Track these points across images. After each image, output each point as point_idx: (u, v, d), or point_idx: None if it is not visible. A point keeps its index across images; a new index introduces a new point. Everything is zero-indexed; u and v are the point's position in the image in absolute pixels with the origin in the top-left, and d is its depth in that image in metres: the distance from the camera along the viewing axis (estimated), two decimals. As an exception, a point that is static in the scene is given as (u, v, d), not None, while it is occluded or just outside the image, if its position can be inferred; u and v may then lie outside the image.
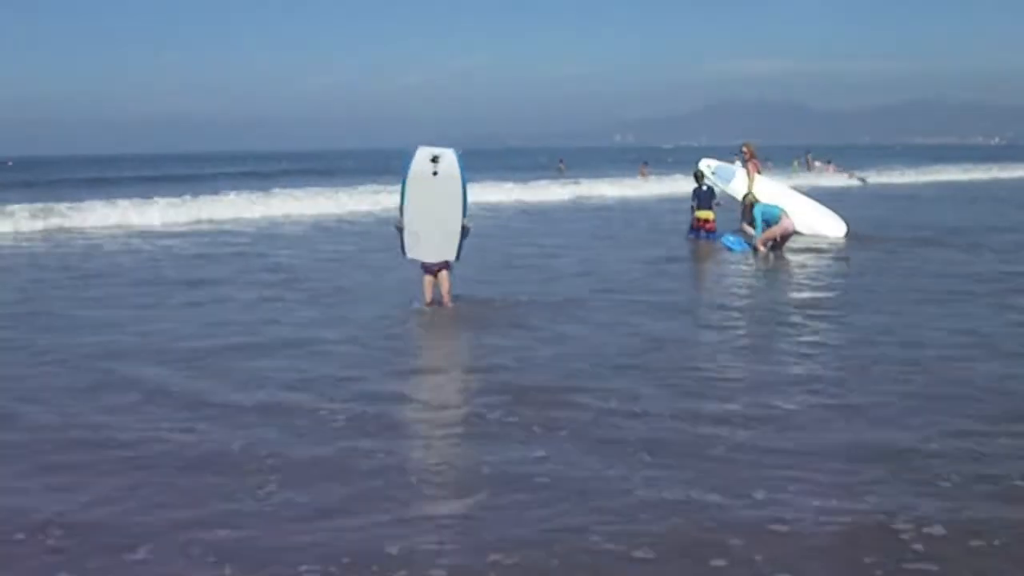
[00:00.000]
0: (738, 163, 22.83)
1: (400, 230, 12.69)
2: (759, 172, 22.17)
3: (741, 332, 11.20)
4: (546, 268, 16.68)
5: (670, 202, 32.77)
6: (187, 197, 31.36)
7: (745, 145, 22.67)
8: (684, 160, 52.92)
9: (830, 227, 21.74)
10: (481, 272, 15.27)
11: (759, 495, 5.83)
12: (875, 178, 53.95)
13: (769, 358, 9.69)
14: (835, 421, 7.40)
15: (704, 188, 21.50)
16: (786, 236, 18.54)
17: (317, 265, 17.60)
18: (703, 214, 21.28)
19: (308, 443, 6.95)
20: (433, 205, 12.53)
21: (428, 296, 12.60)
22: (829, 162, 68.06)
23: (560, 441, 6.95)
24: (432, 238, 12.61)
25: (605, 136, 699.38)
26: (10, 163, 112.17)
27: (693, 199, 21.48)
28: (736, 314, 12.42)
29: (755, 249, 18.54)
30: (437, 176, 12.47)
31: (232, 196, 32.80)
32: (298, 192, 34.33)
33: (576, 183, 43.06)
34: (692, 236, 21.33)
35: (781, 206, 19.08)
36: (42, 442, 7.05)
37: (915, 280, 14.74)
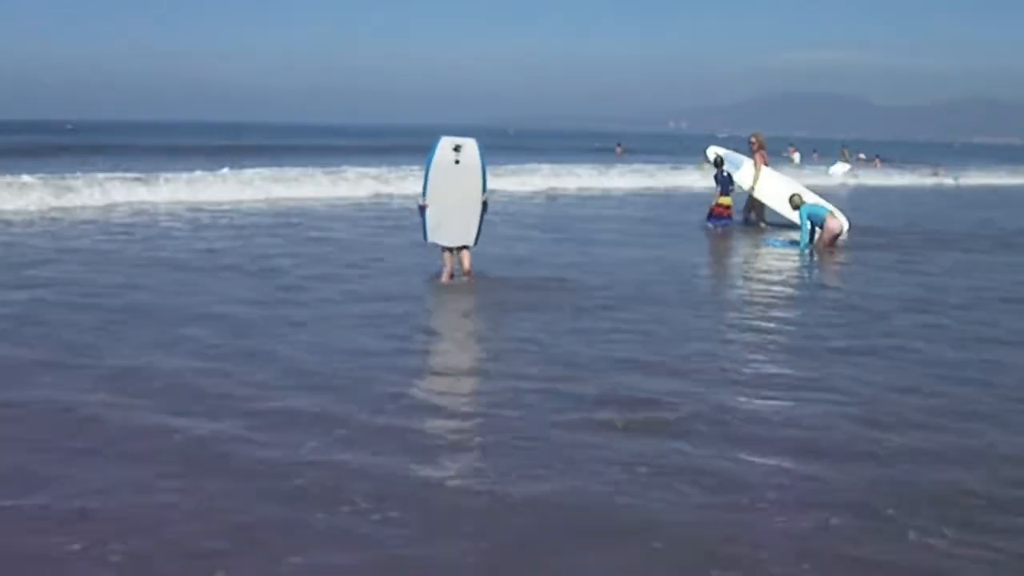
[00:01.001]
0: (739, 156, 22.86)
1: (423, 208, 13.25)
2: (766, 163, 22.38)
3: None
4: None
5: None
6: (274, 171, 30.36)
7: (753, 135, 22.94)
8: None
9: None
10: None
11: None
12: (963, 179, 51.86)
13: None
14: None
15: (725, 174, 21.55)
16: (836, 237, 17.86)
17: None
18: (725, 200, 21.38)
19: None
20: (454, 192, 13.18)
21: (448, 272, 13.21)
22: (877, 156, 67.69)
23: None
24: (452, 224, 13.21)
25: (659, 122, 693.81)
26: (69, 126, 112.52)
27: (718, 185, 21.53)
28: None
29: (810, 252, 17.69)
30: (459, 165, 13.20)
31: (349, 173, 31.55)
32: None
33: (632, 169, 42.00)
34: (713, 224, 21.29)
35: (827, 206, 18.55)
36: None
37: None
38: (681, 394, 7.76)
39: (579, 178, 36.78)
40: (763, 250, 18.47)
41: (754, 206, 22.21)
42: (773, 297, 13.19)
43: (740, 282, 15.28)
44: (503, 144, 66.49)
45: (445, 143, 13.35)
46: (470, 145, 13.37)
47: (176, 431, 6.68)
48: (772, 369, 8.97)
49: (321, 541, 5.07)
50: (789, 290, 14.13)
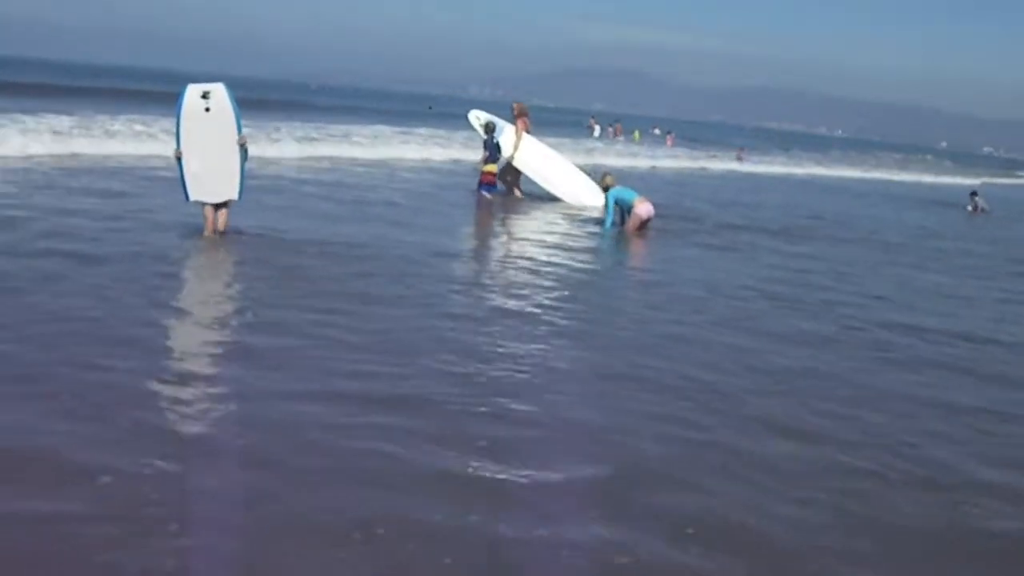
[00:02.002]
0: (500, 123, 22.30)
1: (179, 159, 12.49)
2: (528, 131, 22.10)
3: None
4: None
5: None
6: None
7: (516, 103, 22.75)
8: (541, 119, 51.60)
9: (587, 195, 21.57)
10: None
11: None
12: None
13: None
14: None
15: (495, 141, 21.01)
16: (645, 223, 17.17)
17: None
18: (491, 167, 20.94)
19: None
20: (210, 142, 12.47)
21: (209, 228, 12.59)
22: (669, 132, 68.83)
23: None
24: (213, 177, 12.54)
25: (460, 87, 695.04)
26: None
27: (486, 151, 20.90)
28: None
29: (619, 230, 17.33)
30: (209, 112, 12.44)
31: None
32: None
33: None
34: (485, 192, 20.88)
35: (635, 191, 17.75)
36: None
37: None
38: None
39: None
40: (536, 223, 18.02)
41: (510, 174, 21.90)
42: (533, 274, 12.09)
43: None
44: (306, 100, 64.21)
45: (192, 91, 12.53)
46: (219, 90, 12.61)
47: None
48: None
49: None
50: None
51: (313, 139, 30.01)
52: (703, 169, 43.09)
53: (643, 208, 17.18)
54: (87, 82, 70.14)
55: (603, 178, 18.19)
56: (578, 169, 23.19)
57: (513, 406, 6.85)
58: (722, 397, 7.58)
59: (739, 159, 53.03)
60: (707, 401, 7.42)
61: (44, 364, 6.91)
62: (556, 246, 15.14)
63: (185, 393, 6.62)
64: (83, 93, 51.12)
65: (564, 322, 9.65)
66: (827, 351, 9.52)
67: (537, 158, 22.26)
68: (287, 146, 27.00)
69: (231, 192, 12.69)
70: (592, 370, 8.08)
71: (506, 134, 21.77)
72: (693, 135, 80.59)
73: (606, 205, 17.63)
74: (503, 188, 21.63)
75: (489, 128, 21.18)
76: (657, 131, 74.20)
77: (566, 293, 11.13)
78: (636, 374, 8.00)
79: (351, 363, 7.55)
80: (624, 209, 17.33)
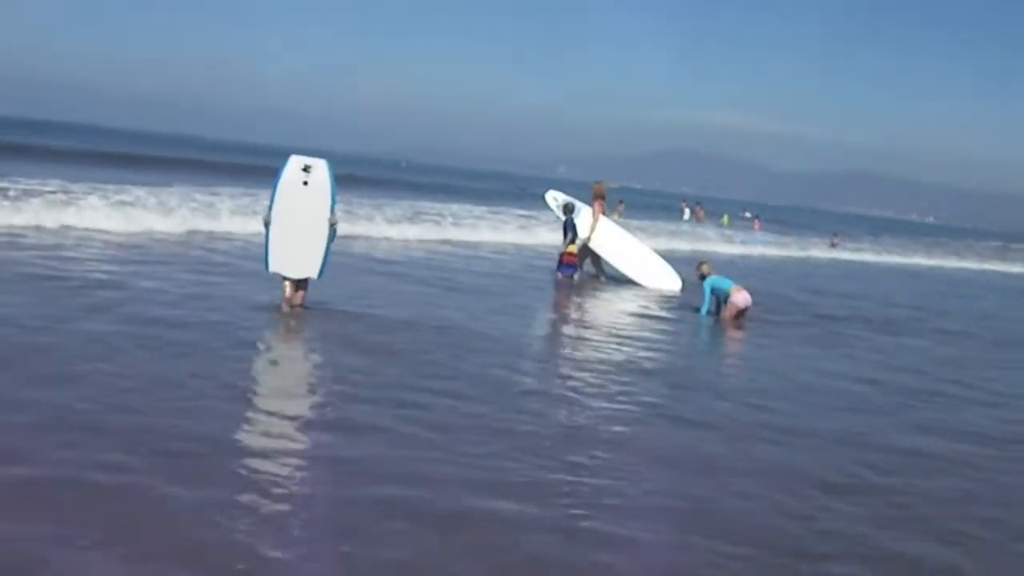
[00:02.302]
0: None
1: (267, 225, 12.43)
2: (604, 213, 21.78)
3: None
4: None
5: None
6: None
7: (594, 184, 22.33)
8: (628, 200, 51.20)
9: (666, 280, 21.30)
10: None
11: None
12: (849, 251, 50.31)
13: None
14: None
15: (574, 221, 20.59)
16: (742, 312, 16.83)
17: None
18: (573, 248, 20.47)
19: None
20: (301, 216, 12.40)
21: (287, 302, 12.49)
22: (756, 216, 67.99)
23: None
24: (297, 252, 12.44)
25: (549, 168, 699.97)
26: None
27: (567, 232, 20.46)
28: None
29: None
30: (307, 186, 12.41)
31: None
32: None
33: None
34: (563, 273, 20.46)
35: (732, 280, 17.49)
36: None
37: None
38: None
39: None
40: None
41: (588, 255, 21.51)
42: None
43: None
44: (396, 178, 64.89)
45: (294, 162, 12.50)
46: (320, 166, 12.54)
47: None
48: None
49: None
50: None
51: (401, 217, 29.72)
52: (801, 256, 42.04)
53: (740, 297, 16.85)
54: (194, 155, 71.46)
55: (699, 266, 17.87)
56: (655, 253, 22.74)
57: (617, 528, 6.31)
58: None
59: (833, 245, 52.01)
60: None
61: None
62: (651, 333, 14.62)
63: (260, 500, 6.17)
64: (190, 166, 51.95)
65: (671, 409, 9.10)
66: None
67: (614, 240, 21.91)
68: (376, 225, 26.74)
69: (311, 270, 12.57)
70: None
71: (583, 216, 21.45)
72: (782, 219, 79.78)
73: (703, 293, 17.31)
74: (586, 270, 21.33)
75: (568, 209, 20.89)
76: (748, 215, 73.44)
77: (672, 381, 10.59)
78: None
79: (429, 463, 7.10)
80: (720, 298, 17.02)
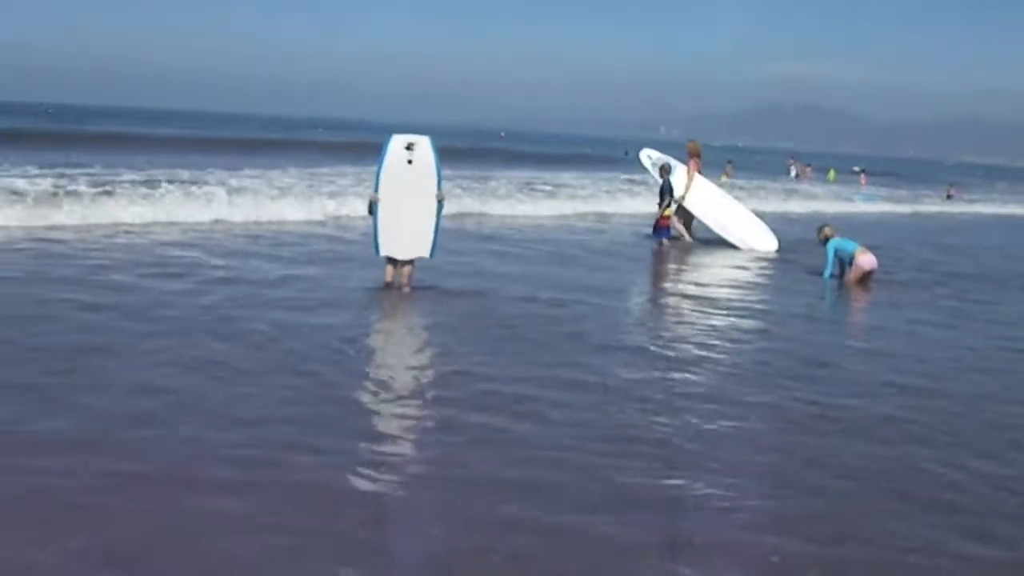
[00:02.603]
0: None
1: (373, 205, 12.16)
2: (699, 172, 21.07)
3: None
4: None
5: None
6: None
7: (690, 142, 21.75)
8: (732, 159, 49.82)
9: (762, 241, 20.45)
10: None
11: None
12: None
13: None
14: None
15: (671, 183, 20.02)
16: (867, 274, 16.05)
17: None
18: (669, 212, 19.95)
19: None
20: (408, 195, 12.12)
21: (389, 278, 12.28)
22: (863, 171, 66.44)
23: None
24: (405, 233, 12.18)
25: (651, 128, 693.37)
26: (50, 111, 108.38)
27: (667, 195, 19.87)
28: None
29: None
30: (412, 165, 12.14)
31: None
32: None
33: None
34: (661, 237, 19.90)
35: (856, 242, 16.69)
36: None
37: None
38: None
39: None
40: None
41: (682, 216, 20.85)
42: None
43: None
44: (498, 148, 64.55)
45: (397, 141, 12.24)
46: (423, 143, 12.28)
47: None
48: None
49: None
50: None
51: (509, 190, 28.73)
52: (914, 211, 40.35)
53: (865, 259, 16.11)
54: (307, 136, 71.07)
55: (821, 229, 17.14)
56: (751, 213, 21.85)
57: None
58: None
59: (949, 197, 50.15)
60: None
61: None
62: (776, 306, 13.78)
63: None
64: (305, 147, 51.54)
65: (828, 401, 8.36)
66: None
67: (710, 201, 21.09)
68: (483, 200, 25.74)
69: (423, 249, 12.33)
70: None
71: (678, 174, 20.78)
72: (892, 171, 77.48)
73: (825, 256, 16.61)
74: (676, 232, 20.59)
75: (665, 170, 20.22)
76: (857, 169, 71.59)
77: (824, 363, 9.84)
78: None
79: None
80: (844, 260, 16.33)
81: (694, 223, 21.00)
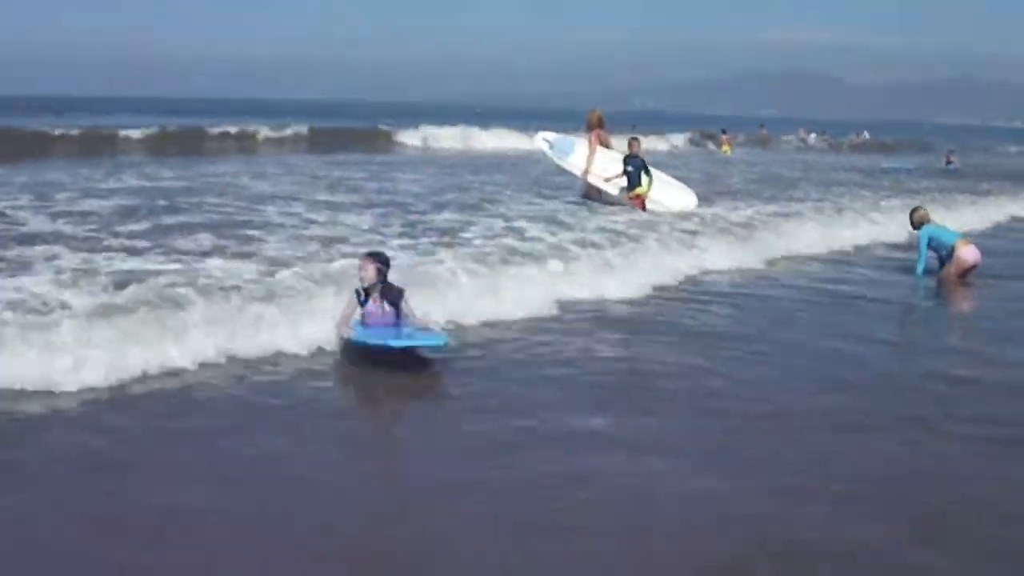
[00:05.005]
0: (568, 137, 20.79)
1: None
2: (603, 144, 19.51)
3: None
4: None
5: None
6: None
7: (591, 112, 20.08)
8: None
9: (678, 199, 19.04)
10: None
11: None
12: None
13: None
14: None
15: (640, 159, 18.54)
16: (969, 270, 13.86)
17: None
18: (641, 191, 18.53)
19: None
20: None
21: None
22: (857, 135, 66.05)
23: None
24: None
25: (624, 100, 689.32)
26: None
27: (628, 170, 18.57)
28: None
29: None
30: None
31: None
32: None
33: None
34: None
35: (958, 232, 14.43)
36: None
37: None
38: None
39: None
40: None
41: (590, 193, 19.34)
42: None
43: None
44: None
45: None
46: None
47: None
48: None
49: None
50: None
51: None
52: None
53: (969, 252, 13.92)
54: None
55: (914, 212, 14.73)
56: (660, 172, 19.82)
57: None
58: None
59: (948, 162, 48.06)
60: None
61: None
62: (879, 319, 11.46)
63: None
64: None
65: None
66: None
67: (615, 171, 19.19)
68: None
69: None
70: None
71: (577, 151, 19.54)
72: (878, 135, 75.48)
73: (919, 246, 14.26)
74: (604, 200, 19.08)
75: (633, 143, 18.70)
76: (866, 135, 70.23)
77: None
78: None
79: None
80: (942, 253, 14.01)
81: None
